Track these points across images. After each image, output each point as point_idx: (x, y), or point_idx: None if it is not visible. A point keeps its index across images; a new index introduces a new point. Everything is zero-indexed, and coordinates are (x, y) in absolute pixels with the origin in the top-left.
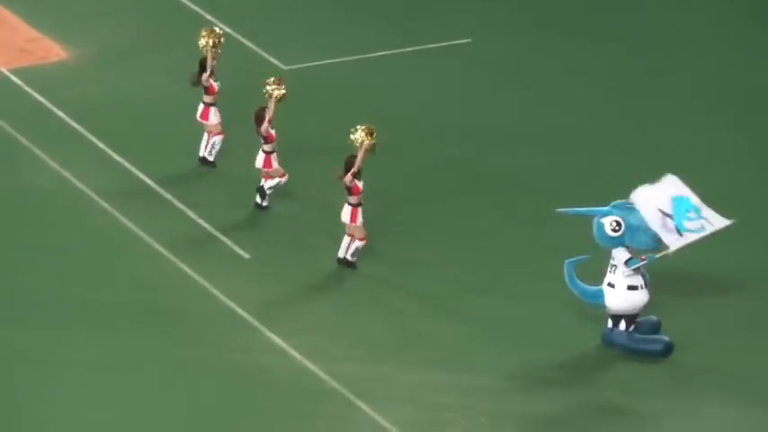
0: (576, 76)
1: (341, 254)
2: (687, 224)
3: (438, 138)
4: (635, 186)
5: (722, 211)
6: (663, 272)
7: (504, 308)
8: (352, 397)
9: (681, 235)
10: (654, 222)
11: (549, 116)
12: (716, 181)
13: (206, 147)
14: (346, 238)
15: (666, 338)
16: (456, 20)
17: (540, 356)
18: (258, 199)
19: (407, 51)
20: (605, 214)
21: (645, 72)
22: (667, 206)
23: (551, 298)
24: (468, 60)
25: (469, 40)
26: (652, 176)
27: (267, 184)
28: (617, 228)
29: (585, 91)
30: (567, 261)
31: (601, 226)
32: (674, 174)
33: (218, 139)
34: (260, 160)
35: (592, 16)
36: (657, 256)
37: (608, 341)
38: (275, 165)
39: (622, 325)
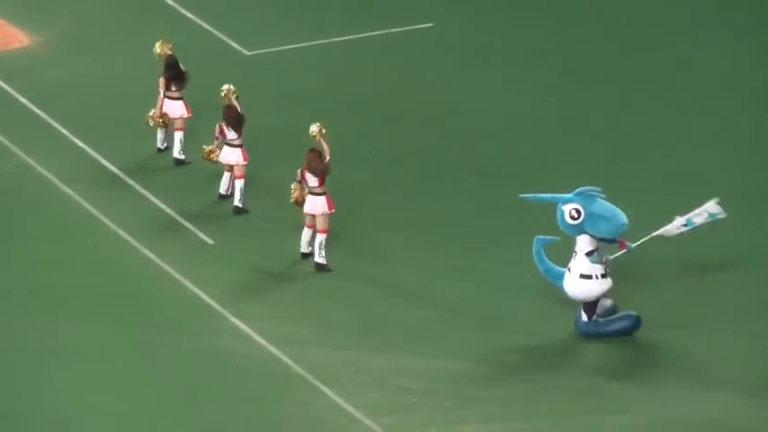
0: (542, 59)
1: (306, 249)
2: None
3: (402, 123)
4: (602, 171)
5: (689, 195)
6: (629, 256)
7: (471, 293)
8: (316, 382)
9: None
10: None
11: (515, 101)
12: (683, 165)
13: (179, 145)
14: (308, 231)
15: (633, 313)
16: (419, 4)
17: (505, 341)
18: (238, 203)
19: (371, 36)
20: (567, 201)
21: (612, 55)
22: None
23: (518, 283)
24: (432, 44)
25: (432, 24)
26: (619, 161)
27: (236, 198)
28: (576, 216)
29: (552, 75)
30: (536, 238)
31: (561, 213)
32: (640, 158)
33: (182, 134)
34: (238, 156)
35: None
36: (613, 256)
37: (580, 333)
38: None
39: (584, 316)
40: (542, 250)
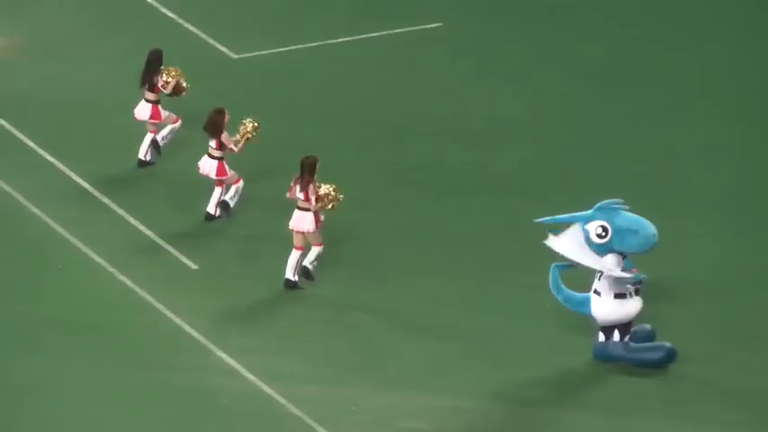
0: (558, 64)
1: (291, 275)
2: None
3: (406, 133)
4: (624, 186)
5: (718, 214)
6: (658, 279)
7: (482, 322)
8: (313, 422)
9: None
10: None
11: (531, 109)
12: (711, 181)
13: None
14: (296, 254)
15: (668, 345)
16: (426, 2)
17: (522, 375)
18: (215, 210)
19: (372, 37)
20: (589, 219)
21: (634, 60)
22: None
23: (534, 310)
24: (440, 47)
25: (441, 24)
26: (643, 174)
27: (228, 195)
28: (603, 233)
29: (569, 81)
30: (553, 265)
31: (586, 233)
32: (670, 173)
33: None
34: (211, 168)
35: None
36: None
37: (603, 355)
38: (230, 171)
39: (616, 335)
40: (559, 277)
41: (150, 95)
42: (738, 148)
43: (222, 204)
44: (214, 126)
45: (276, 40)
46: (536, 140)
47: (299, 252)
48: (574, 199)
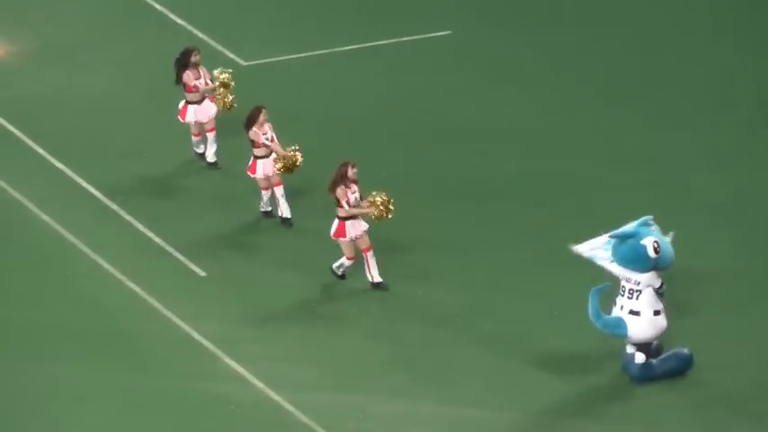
0: (567, 72)
1: (371, 278)
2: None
3: (416, 141)
4: (633, 195)
5: (729, 223)
6: (669, 290)
7: (492, 330)
8: (319, 430)
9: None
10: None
11: (538, 117)
12: (721, 189)
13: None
14: (367, 256)
15: (686, 351)
16: (435, 10)
17: (538, 385)
18: (280, 213)
19: (380, 45)
20: (645, 234)
21: (643, 68)
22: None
23: (544, 319)
24: (449, 55)
25: (449, 32)
26: (651, 184)
27: (279, 191)
28: (658, 248)
29: (578, 89)
30: (592, 290)
31: (642, 248)
32: (679, 182)
33: (211, 135)
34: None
35: (586, 6)
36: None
37: (633, 378)
38: (259, 173)
39: (639, 357)
40: (598, 302)
41: (192, 96)
42: (748, 156)
43: (282, 221)
44: (246, 120)
45: (285, 47)
46: (545, 149)
47: (368, 254)
48: (582, 209)
